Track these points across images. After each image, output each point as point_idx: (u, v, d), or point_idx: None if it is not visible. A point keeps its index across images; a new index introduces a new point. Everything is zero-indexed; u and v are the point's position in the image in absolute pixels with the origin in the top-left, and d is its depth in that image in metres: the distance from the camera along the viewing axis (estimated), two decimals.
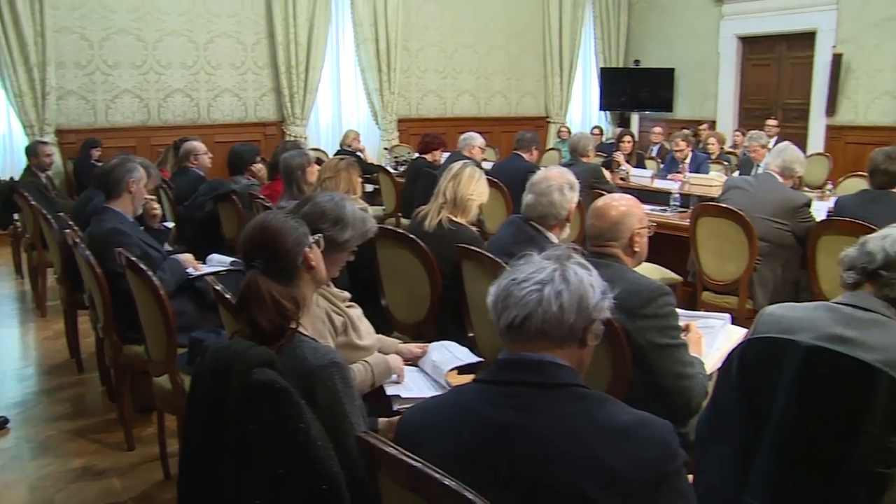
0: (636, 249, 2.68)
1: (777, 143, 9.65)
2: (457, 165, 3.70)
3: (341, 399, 1.92)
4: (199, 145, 6.10)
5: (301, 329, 2.03)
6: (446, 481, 1.34)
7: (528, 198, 3.28)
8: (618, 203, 2.72)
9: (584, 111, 13.59)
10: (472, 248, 3.29)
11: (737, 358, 2.08)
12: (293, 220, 2.15)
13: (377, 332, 2.95)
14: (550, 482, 1.43)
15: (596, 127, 11.70)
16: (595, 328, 1.64)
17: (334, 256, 2.65)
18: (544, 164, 9.13)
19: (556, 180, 3.25)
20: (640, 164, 8.61)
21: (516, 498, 1.45)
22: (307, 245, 2.14)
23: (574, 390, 1.53)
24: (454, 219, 3.63)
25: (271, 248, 2.06)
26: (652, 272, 5.27)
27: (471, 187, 3.64)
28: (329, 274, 2.67)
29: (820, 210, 5.23)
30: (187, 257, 4.05)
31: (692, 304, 5.07)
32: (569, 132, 11.75)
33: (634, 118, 13.30)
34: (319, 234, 2.26)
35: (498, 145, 11.05)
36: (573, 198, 3.28)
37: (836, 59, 10.53)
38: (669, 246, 5.55)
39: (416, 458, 1.42)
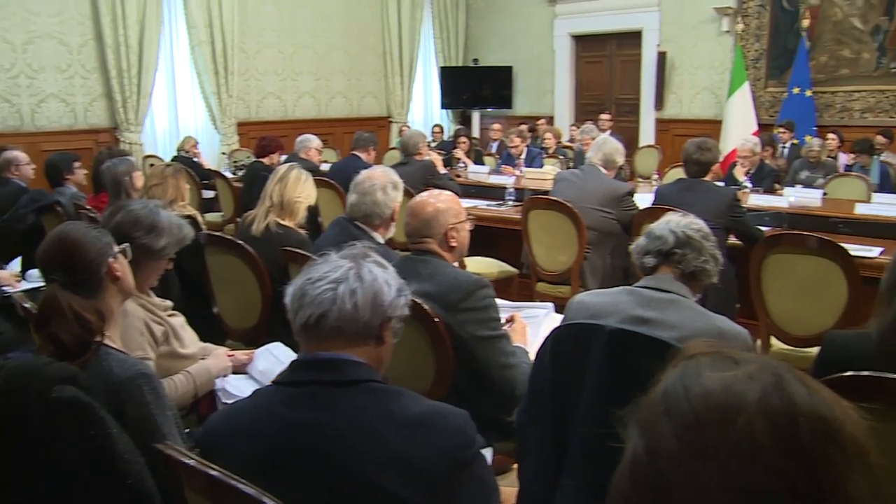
0: (453, 245, 2.72)
1: (612, 136, 10.18)
2: (283, 168, 3.67)
3: (152, 411, 1.87)
4: (20, 155, 5.73)
5: (108, 342, 1.97)
6: (245, 489, 1.33)
7: (352, 198, 3.29)
8: (434, 200, 2.77)
9: (425, 110, 13.74)
10: (298, 251, 3.26)
11: (549, 345, 2.17)
12: (95, 231, 2.08)
13: (211, 341, 2.90)
14: (352, 478, 1.44)
15: (436, 125, 11.86)
16: (393, 325, 1.66)
17: (151, 265, 2.60)
18: (386, 162, 9.20)
19: (379, 179, 3.27)
20: (479, 161, 8.80)
21: (323, 496, 1.46)
22: (111, 255, 2.07)
23: (369, 386, 1.54)
24: (282, 222, 3.60)
25: (70, 261, 1.98)
26: (490, 266, 5.43)
27: (297, 189, 3.62)
28: (147, 283, 2.61)
29: (645, 199, 5.43)
30: (3, 274, 3.85)
31: (528, 295, 5.23)
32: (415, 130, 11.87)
33: (475, 116, 13.55)
34: (127, 244, 2.19)
35: (340, 147, 11.00)
36: (397, 197, 3.31)
37: (661, 57, 11.14)
38: (506, 240, 5.73)
39: (214, 466, 1.39)
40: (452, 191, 5.24)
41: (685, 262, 2.31)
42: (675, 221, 2.36)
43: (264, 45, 11.10)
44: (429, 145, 6.97)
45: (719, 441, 0.76)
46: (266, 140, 6.96)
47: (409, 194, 5.12)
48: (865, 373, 1.74)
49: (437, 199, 2.76)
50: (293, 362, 1.61)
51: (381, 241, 3.27)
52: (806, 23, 9.55)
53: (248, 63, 10.89)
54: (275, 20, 11.19)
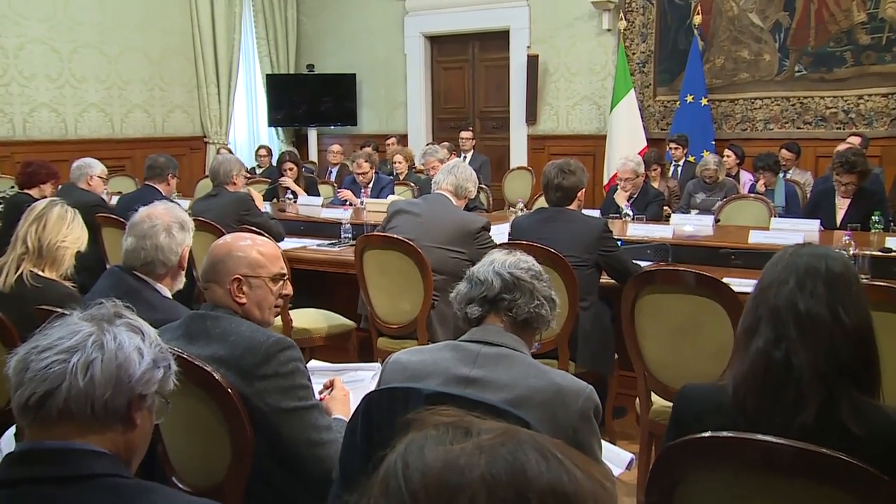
0: (239, 300, 2.73)
1: (474, 158, 10.43)
2: (40, 205, 3.61)
3: None
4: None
5: None
6: None
7: (128, 242, 3.26)
8: (233, 241, 2.83)
9: (250, 128, 13.77)
10: (60, 310, 3.18)
11: (361, 414, 2.23)
12: None
13: None
14: None
15: (262, 147, 11.89)
16: (149, 403, 1.67)
17: None
18: (199, 193, 9.10)
19: (161, 219, 3.26)
20: (312, 190, 8.85)
21: None
22: None
23: (106, 481, 1.53)
24: (40, 273, 3.54)
25: None
26: (319, 319, 5.46)
27: (61, 232, 3.57)
28: None
29: (502, 233, 5.57)
30: None
31: (367, 353, 5.31)
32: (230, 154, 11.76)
33: (312, 134, 13.66)
34: None
35: (140, 176, 10.79)
36: (185, 239, 3.31)
37: (532, 61, 11.57)
38: (344, 287, 5.80)
39: None
40: (271, 232, 5.36)
41: (516, 309, 2.43)
42: (499, 261, 2.48)
43: (30, 40, 10.63)
44: (251, 172, 6.95)
45: None
46: (33, 166, 6.77)
47: (218, 232, 5.14)
48: (709, 434, 1.89)
49: (238, 241, 2.81)
50: (7, 456, 1.57)
51: (168, 294, 3.25)
52: (698, 19, 10.15)
53: (6, 63, 10.44)
54: (45, 8, 10.78)
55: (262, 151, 11.53)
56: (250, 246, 2.81)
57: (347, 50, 13.41)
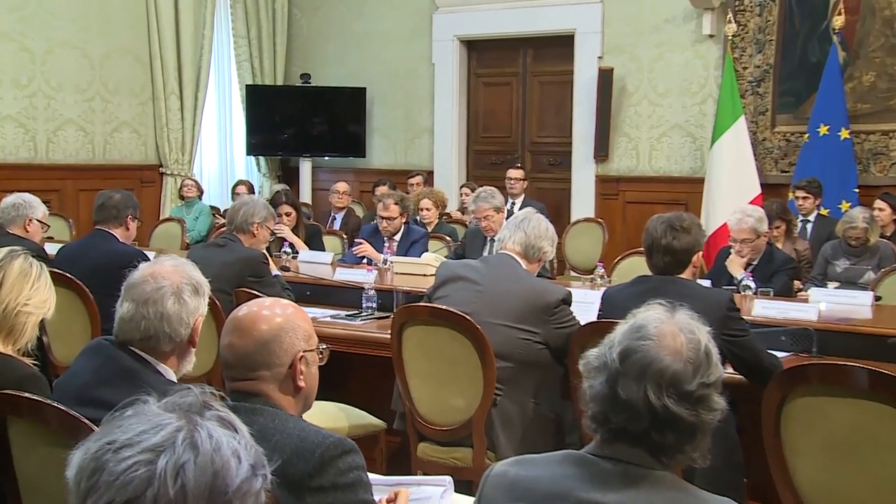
0: (300, 384, 2.84)
1: (525, 204, 10.31)
2: None
3: None
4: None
5: None
6: None
7: (123, 308, 3.26)
8: (271, 312, 2.89)
9: (222, 156, 13.86)
10: (27, 395, 3.23)
11: None
12: None
13: None
14: None
15: (241, 183, 11.93)
16: None
17: None
18: (156, 242, 9.11)
19: (169, 279, 3.26)
20: (315, 243, 8.91)
21: None
22: None
23: None
24: None
25: None
26: (338, 417, 5.44)
27: (23, 293, 3.62)
28: None
29: (588, 308, 5.53)
30: None
31: (402, 463, 5.32)
32: (198, 190, 11.87)
33: (305, 168, 13.64)
34: None
35: (73, 213, 10.89)
36: (199, 307, 3.32)
37: (605, 77, 11.57)
38: (367, 373, 5.86)
39: None
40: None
41: (665, 453, 2.38)
42: (655, 369, 2.35)
43: None
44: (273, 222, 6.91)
45: None
46: None
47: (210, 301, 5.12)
48: None
49: (276, 311, 2.87)
50: None
51: (173, 377, 3.27)
52: (839, 21, 9.92)
53: None
54: None
55: (241, 189, 11.52)
56: (295, 313, 2.91)
57: (355, 56, 13.47)
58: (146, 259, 4.36)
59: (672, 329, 2.40)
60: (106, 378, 3.18)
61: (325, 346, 3.01)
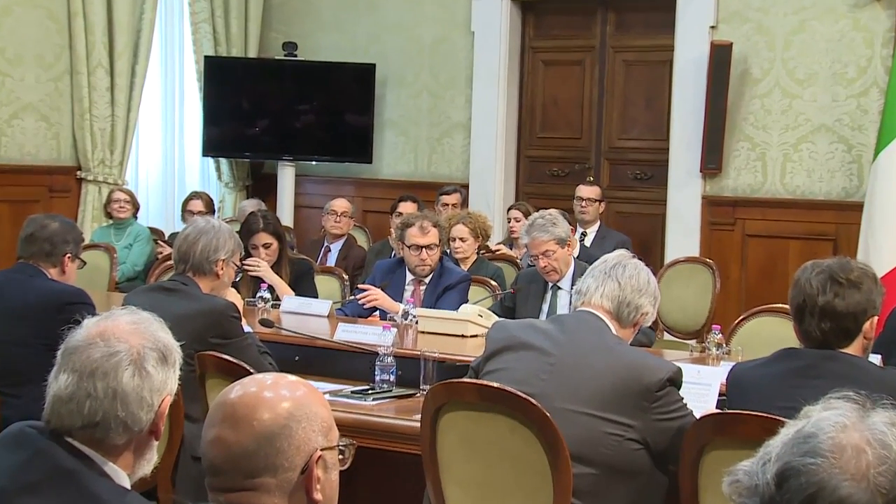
0: (317, 496, 2.87)
1: (602, 234, 10.20)
2: None
3: None
4: None
5: None
6: None
7: (59, 382, 3.20)
8: (273, 394, 2.93)
9: (167, 157, 14.02)
10: None
11: None
12: None
13: None
14: None
15: (195, 196, 12.10)
16: None
17: None
18: (83, 283, 9.00)
19: (126, 341, 3.22)
20: (305, 287, 8.94)
21: None
22: None
23: None
24: None
25: None
26: None
27: None
28: None
29: (701, 392, 5.57)
30: None
31: None
32: (133, 207, 11.83)
33: (285, 175, 13.73)
34: None
35: None
36: (168, 382, 3.28)
37: (720, 55, 11.51)
38: (384, 472, 6.06)
39: None
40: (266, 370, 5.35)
41: None
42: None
43: None
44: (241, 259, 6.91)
45: None
46: None
47: None
48: None
49: (282, 392, 2.95)
50: None
51: (125, 481, 3.21)
52: None
53: None
54: None
55: (196, 206, 11.65)
56: (308, 395, 2.99)
57: (362, 20, 13.59)
58: (91, 308, 4.79)
59: (856, 441, 2.18)
60: (31, 483, 3.14)
61: (348, 443, 3.03)
